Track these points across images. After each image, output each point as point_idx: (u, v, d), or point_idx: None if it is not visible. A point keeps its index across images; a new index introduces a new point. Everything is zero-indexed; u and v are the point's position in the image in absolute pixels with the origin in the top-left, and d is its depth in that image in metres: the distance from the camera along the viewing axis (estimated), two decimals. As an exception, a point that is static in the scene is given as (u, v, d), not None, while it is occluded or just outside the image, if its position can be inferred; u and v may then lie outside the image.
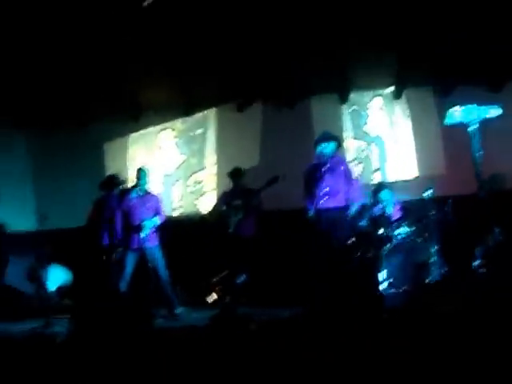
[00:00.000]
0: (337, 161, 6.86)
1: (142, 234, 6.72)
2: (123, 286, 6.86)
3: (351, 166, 7.00)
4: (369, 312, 5.54)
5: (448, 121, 6.25)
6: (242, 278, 6.85)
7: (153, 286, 6.60)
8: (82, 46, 8.32)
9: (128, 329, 5.30)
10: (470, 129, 5.98)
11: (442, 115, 9.10)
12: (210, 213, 8.51)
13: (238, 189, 8.08)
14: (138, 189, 6.91)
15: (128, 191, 6.97)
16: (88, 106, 9.68)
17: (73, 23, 7.87)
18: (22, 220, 8.89)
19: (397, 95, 9.69)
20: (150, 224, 6.83)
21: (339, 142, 7.01)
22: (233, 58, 8.88)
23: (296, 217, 8.47)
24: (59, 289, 8.85)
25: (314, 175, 6.81)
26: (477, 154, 5.98)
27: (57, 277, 8.80)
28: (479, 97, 7.50)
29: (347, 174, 6.80)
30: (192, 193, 9.81)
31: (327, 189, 6.70)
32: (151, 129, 10.06)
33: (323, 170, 6.74)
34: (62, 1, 7.45)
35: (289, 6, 7.97)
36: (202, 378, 4.05)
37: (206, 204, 9.28)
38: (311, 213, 6.77)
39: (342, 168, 6.78)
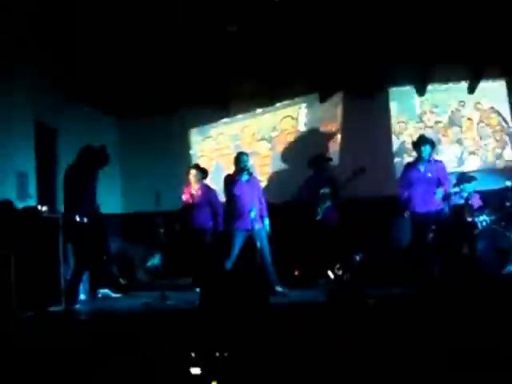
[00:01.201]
0: (433, 166, 7.32)
1: (252, 216, 7.12)
2: (229, 264, 7.28)
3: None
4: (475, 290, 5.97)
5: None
6: (359, 257, 7.25)
7: (258, 265, 7.00)
8: (177, 35, 8.59)
9: (251, 303, 5.75)
10: None
11: None
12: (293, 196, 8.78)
13: (323, 176, 8.39)
14: (245, 173, 7.31)
15: (236, 175, 7.38)
16: (177, 93, 10.06)
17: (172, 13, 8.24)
18: (108, 203, 9.29)
19: (471, 90, 10.05)
20: (256, 207, 7.23)
21: (434, 144, 7.45)
22: (318, 51, 9.26)
23: (373, 206, 8.86)
24: (147, 269, 9.40)
25: (411, 176, 7.29)
26: None
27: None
28: None
29: (441, 178, 7.25)
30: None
31: (422, 193, 7.20)
32: (238, 117, 10.48)
33: (420, 174, 7.24)
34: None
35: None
36: (324, 351, 4.51)
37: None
38: (406, 214, 7.27)
39: (437, 173, 7.25)
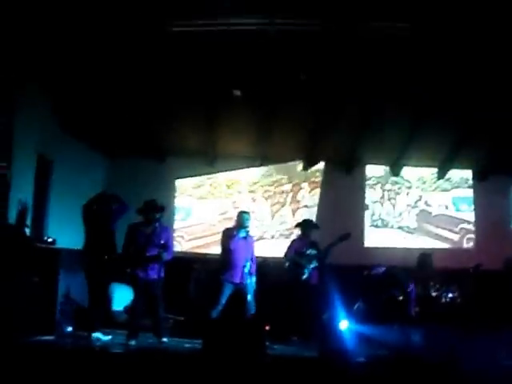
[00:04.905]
0: None
1: (246, 271, 7.59)
2: (215, 313, 7.63)
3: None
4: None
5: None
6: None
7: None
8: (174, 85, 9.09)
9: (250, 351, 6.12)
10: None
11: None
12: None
13: (308, 239, 8.80)
14: (244, 230, 7.82)
15: (235, 231, 7.85)
16: (168, 143, 10.65)
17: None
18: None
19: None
20: (250, 263, 7.71)
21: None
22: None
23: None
24: (126, 307, 9.49)
25: None
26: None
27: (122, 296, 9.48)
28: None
29: None
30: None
31: None
32: (224, 174, 11.11)
33: None
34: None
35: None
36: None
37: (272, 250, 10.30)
38: None
39: None
